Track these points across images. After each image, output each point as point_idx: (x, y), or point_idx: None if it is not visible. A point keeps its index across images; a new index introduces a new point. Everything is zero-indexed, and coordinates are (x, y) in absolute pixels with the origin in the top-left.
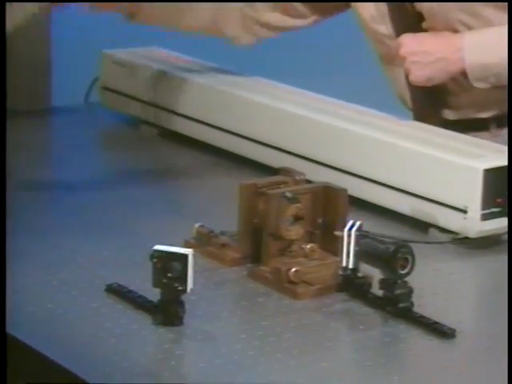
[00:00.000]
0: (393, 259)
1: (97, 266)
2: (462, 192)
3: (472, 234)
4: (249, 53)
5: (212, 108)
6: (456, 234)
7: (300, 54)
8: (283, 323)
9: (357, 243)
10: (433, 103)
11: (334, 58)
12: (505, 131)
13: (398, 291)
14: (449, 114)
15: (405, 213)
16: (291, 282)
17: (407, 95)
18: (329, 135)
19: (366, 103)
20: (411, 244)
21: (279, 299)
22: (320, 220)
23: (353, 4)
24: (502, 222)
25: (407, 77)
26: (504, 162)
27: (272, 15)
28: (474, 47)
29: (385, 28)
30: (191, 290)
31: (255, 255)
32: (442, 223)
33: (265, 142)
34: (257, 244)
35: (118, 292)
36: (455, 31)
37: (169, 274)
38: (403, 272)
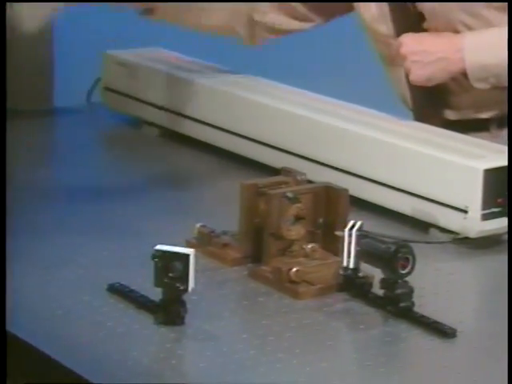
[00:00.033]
0: (393, 259)
1: (98, 265)
2: (463, 192)
3: (472, 234)
4: (249, 53)
5: (213, 108)
6: (456, 233)
7: (300, 54)
8: (284, 323)
9: (358, 243)
10: (433, 103)
11: (334, 58)
12: (505, 132)
13: (398, 291)
14: (449, 114)
15: (405, 213)
16: (292, 282)
17: (408, 95)
18: (330, 135)
19: (366, 103)
20: (412, 244)
21: (280, 299)
22: (321, 220)
23: (355, 4)
24: (502, 222)
25: (407, 76)
26: (504, 162)
27: (278, 18)
28: (475, 48)
29: (385, 28)
30: (192, 289)
31: (256, 255)
32: (443, 223)
33: (266, 142)
34: (258, 244)
35: (120, 291)
36: (456, 31)
37: (170, 274)
38: (404, 272)
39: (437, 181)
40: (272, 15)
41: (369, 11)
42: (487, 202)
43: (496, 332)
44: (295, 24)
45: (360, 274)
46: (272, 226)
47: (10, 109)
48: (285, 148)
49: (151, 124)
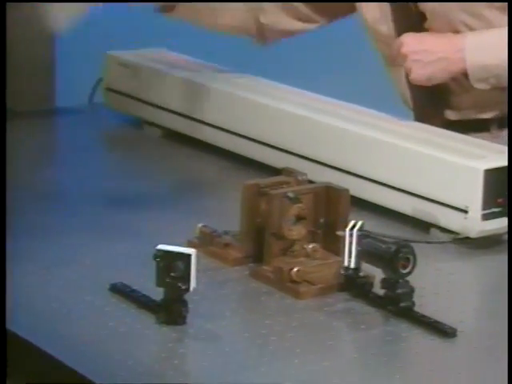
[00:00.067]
0: (394, 259)
1: (100, 265)
2: (463, 192)
3: (473, 234)
4: (249, 53)
5: (214, 109)
6: (457, 233)
7: (300, 54)
8: (285, 322)
9: (358, 243)
10: (434, 103)
11: (334, 58)
12: (505, 132)
13: (399, 291)
14: (450, 115)
15: (406, 213)
16: (293, 282)
17: (408, 95)
18: (331, 136)
19: (366, 103)
20: (412, 244)
21: (281, 298)
22: (322, 220)
23: (357, 5)
24: (502, 222)
25: (408, 76)
26: (504, 162)
27: (282, 19)
28: (476, 48)
29: (386, 28)
30: (194, 289)
31: (258, 255)
32: (443, 223)
33: (267, 142)
34: (259, 244)
35: (122, 291)
36: (457, 32)
37: (172, 274)
38: (404, 272)
39: (437, 181)
40: (275, 16)
41: (371, 12)
42: (487, 202)
43: (496, 332)
44: (299, 25)
45: (361, 274)
46: (273, 225)
47: (13, 109)
48: (286, 148)
49: (153, 124)
